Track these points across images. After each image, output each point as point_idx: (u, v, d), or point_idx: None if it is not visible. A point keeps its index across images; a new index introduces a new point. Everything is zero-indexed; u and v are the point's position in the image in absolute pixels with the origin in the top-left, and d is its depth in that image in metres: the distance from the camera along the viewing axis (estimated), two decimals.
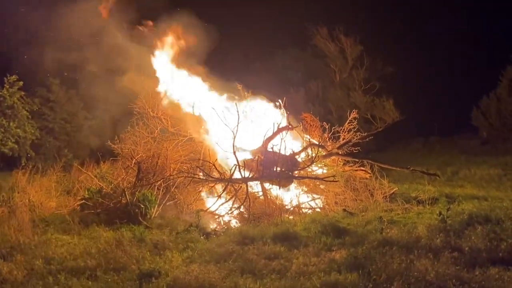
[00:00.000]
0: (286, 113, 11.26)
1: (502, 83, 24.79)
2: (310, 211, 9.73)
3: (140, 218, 8.36)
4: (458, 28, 29.12)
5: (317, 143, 10.84)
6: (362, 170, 10.86)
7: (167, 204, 9.33)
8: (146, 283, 4.83)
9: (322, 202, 10.04)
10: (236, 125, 9.66)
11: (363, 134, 11.18)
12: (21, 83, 17.39)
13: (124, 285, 4.80)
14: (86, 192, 9.62)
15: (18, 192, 9.93)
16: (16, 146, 16.98)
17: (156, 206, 8.87)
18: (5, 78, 17.06)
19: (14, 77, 17.23)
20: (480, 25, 29.50)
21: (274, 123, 10.27)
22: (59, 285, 4.77)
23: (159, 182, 9.67)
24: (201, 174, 9.81)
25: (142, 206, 8.53)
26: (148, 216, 8.53)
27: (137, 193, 9.03)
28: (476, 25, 29.54)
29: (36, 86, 20.07)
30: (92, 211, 9.10)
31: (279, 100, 11.35)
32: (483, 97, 25.38)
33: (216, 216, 9.13)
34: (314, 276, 4.99)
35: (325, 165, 11.00)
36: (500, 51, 25.54)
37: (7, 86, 17.04)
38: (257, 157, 9.99)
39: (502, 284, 4.54)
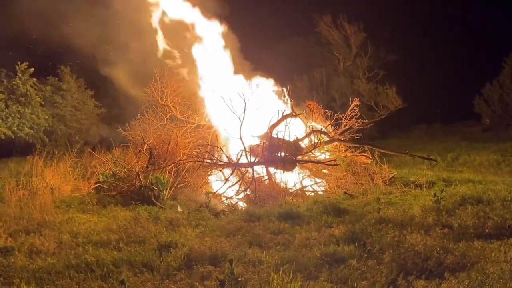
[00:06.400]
0: (290, 100, 11.74)
1: (505, 70, 25.00)
2: (312, 194, 10.26)
3: (153, 199, 8.89)
4: (462, 15, 29.32)
5: (320, 129, 11.32)
6: (363, 155, 11.34)
7: (178, 186, 9.87)
8: (165, 253, 5.41)
9: (324, 186, 10.55)
10: (243, 112, 10.14)
11: (364, 121, 11.65)
12: (32, 70, 17.81)
13: (146, 254, 5.38)
14: (101, 176, 10.22)
15: (36, 177, 10.46)
16: (32, 132, 17.56)
17: (168, 189, 9.42)
18: (16, 66, 17.50)
19: (24, 65, 17.65)
20: (484, 12, 29.66)
21: (278, 111, 10.76)
22: (88, 254, 5.35)
23: (170, 167, 10.19)
24: (209, 159, 10.34)
25: (155, 188, 9.05)
26: (161, 198, 9.04)
27: (150, 176, 9.59)
28: (481, 12, 29.70)
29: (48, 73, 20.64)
30: (108, 193, 9.69)
31: (284, 88, 11.80)
32: (486, 84, 25.64)
33: (224, 198, 9.68)
34: (314, 248, 5.54)
35: (327, 151, 11.48)
36: (504, 39, 25.77)
37: (20, 75, 17.52)
38: (262, 142, 10.50)
39: (482, 253, 5.05)
